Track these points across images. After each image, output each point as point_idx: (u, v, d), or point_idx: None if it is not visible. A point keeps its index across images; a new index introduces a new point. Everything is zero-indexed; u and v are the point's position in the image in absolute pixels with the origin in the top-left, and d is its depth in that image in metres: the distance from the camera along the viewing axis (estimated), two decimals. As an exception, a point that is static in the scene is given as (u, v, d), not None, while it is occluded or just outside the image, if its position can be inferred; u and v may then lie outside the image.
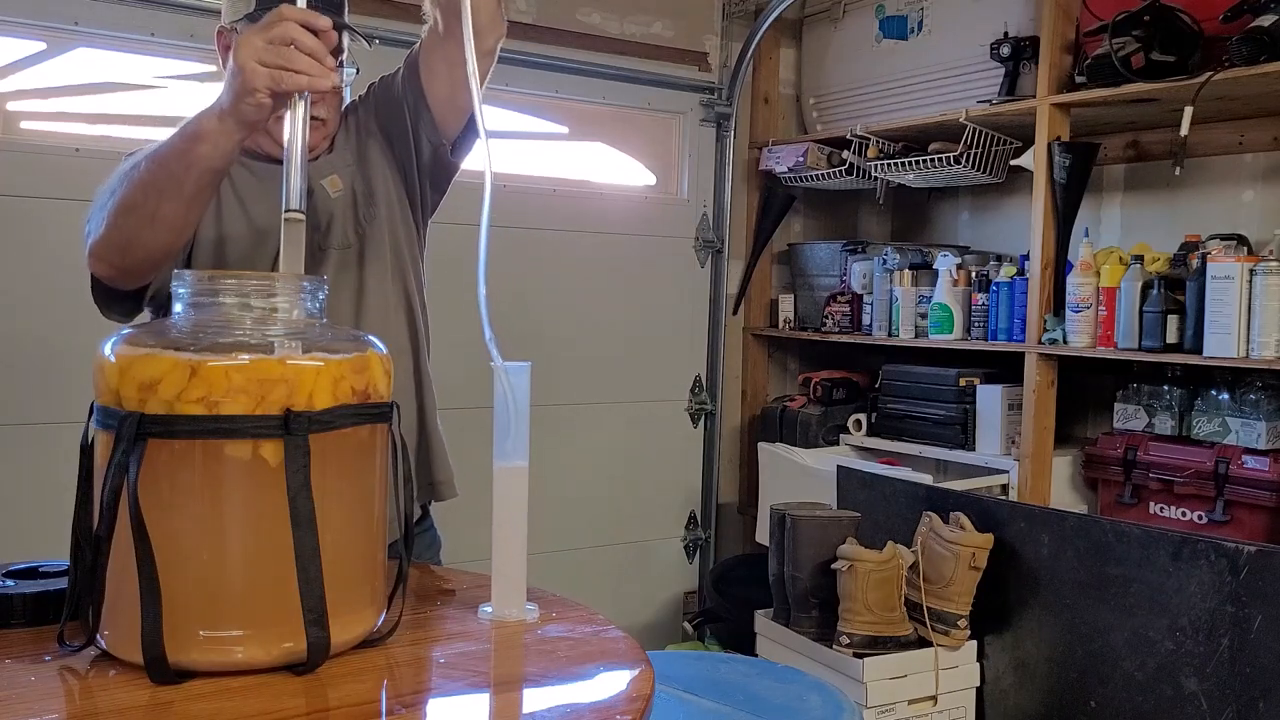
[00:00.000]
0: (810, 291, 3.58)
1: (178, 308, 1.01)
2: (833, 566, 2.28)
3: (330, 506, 0.96)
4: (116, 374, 0.94)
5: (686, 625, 3.50)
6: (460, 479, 1.66)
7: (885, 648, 2.24)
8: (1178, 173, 2.49)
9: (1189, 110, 2.39)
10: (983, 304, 2.94)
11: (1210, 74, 2.32)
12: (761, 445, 3.36)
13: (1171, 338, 2.46)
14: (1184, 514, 2.59)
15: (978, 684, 2.38)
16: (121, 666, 0.95)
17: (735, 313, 3.68)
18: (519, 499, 1.15)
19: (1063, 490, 2.86)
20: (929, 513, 2.37)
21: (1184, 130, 2.39)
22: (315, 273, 1.39)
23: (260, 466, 0.93)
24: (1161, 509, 2.64)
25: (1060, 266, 2.76)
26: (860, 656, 2.22)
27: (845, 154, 3.28)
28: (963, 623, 2.29)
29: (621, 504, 3.45)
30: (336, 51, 1.24)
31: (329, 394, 0.96)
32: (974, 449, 2.99)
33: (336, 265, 1.52)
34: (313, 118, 1.49)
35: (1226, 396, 2.57)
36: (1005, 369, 2.95)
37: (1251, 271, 2.32)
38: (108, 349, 0.96)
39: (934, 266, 3.10)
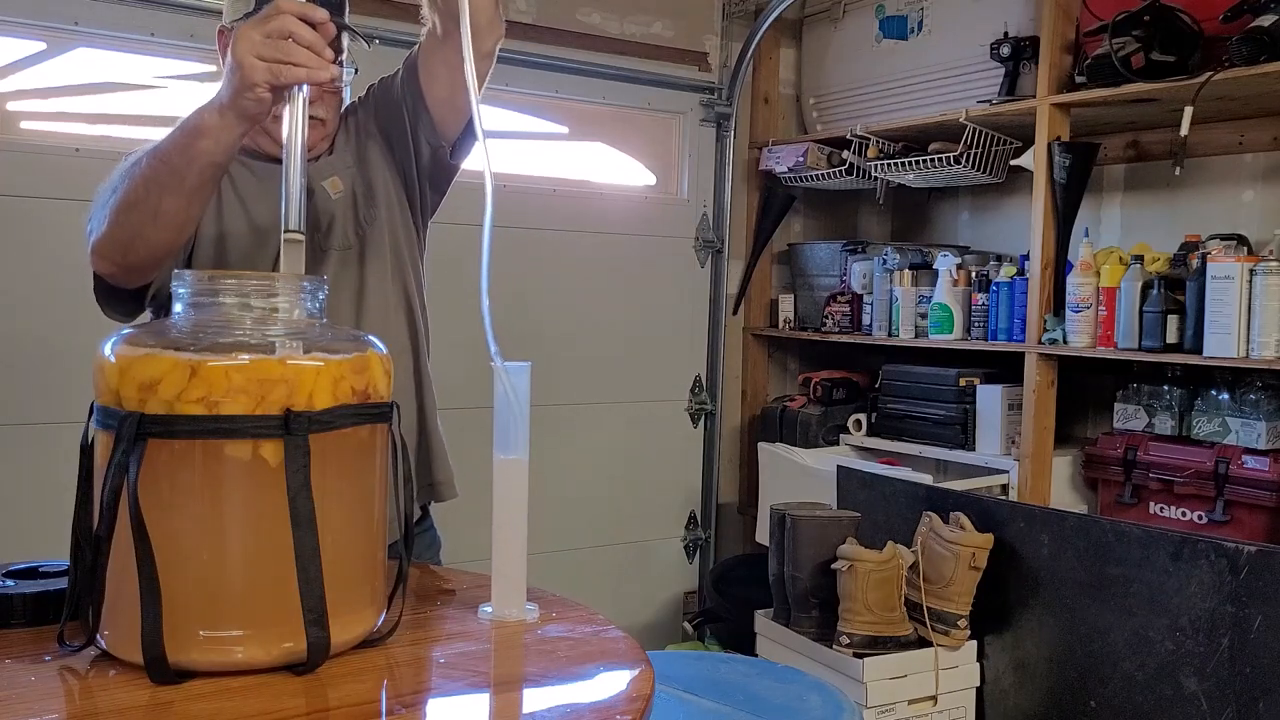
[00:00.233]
0: (810, 291, 3.58)
1: (178, 308, 1.01)
2: (833, 566, 2.28)
3: (330, 506, 0.96)
4: (116, 374, 0.94)
5: (686, 625, 3.50)
6: (460, 479, 1.66)
7: (885, 648, 2.25)
8: (1178, 173, 2.49)
9: (1189, 110, 2.39)
10: (983, 304, 2.94)
11: (1210, 74, 2.32)
12: (761, 445, 3.36)
13: (1171, 338, 2.46)
14: (1184, 514, 2.59)
15: (978, 684, 2.38)
16: (121, 666, 0.95)
17: (735, 313, 3.68)
18: (519, 492, 1.15)
19: (1063, 490, 2.86)
20: (929, 513, 2.37)
21: (1184, 130, 2.39)
22: (315, 273, 1.39)
23: (260, 466, 0.93)
24: (1161, 509, 2.64)
25: (1060, 266, 2.76)
26: (860, 656, 2.22)
27: (845, 154, 3.28)
28: (963, 623, 2.29)
29: (621, 504, 3.45)
30: (336, 50, 1.24)
31: (329, 394, 0.96)
32: (974, 449, 2.99)
33: (337, 266, 1.52)
34: (312, 118, 1.49)
35: (1226, 396, 2.57)
36: (1005, 369, 2.95)
37: (1251, 271, 2.32)
38: (108, 349, 0.96)
39: (934, 266, 3.10)
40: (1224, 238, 2.54)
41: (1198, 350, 2.40)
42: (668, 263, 3.50)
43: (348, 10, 1.44)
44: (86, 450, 1.00)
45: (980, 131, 2.95)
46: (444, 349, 1.73)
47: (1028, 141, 2.83)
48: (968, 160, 2.97)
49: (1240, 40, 2.27)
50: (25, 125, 2.57)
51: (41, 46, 2.55)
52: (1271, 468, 2.41)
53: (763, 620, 2.51)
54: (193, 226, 1.38)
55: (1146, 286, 2.51)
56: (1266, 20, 2.27)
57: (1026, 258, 2.83)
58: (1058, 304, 2.74)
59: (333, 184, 1.54)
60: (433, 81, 1.51)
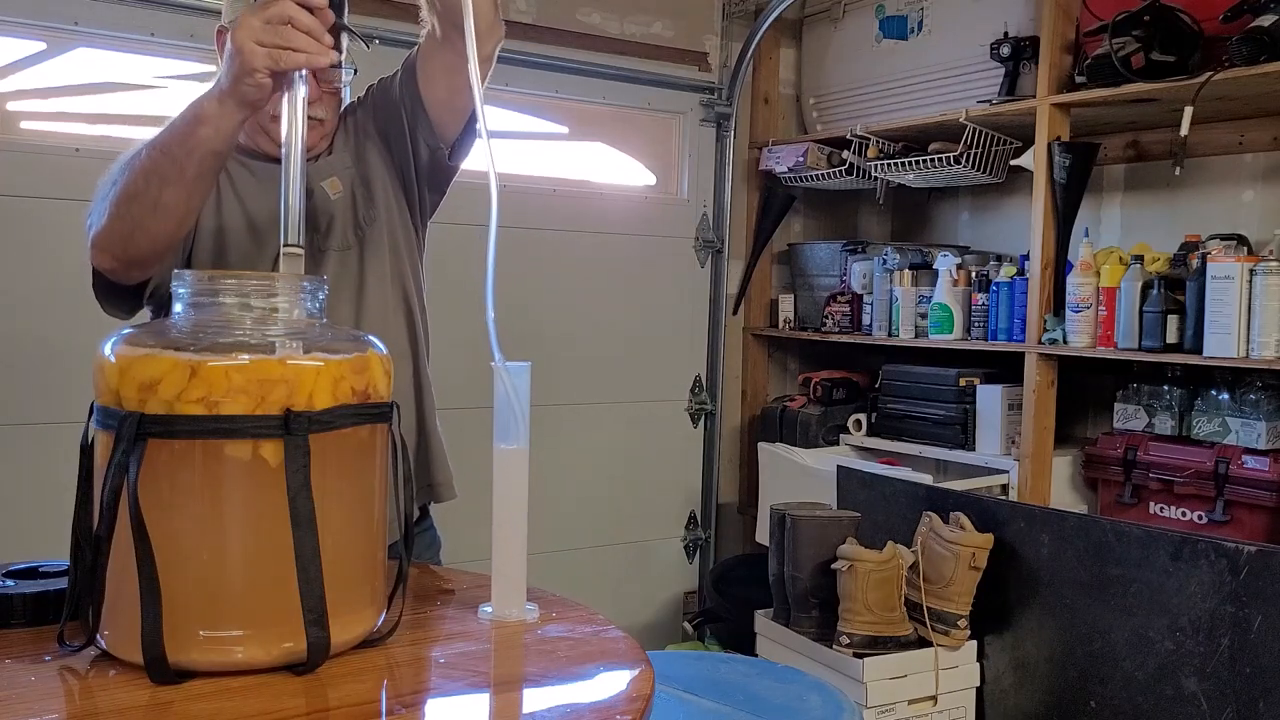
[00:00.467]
0: (810, 291, 3.58)
1: (178, 308, 1.01)
2: (833, 566, 2.28)
3: (330, 506, 0.96)
4: (116, 374, 0.94)
5: (686, 625, 3.50)
6: (460, 479, 1.66)
7: (885, 648, 2.24)
8: (1178, 173, 2.49)
9: (1189, 110, 2.39)
10: (983, 304, 2.94)
11: (1210, 74, 2.32)
12: (761, 445, 3.36)
13: (1171, 338, 2.46)
14: (1184, 514, 2.59)
15: (978, 684, 2.38)
16: (121, 666, 0.95)
17: (735, 313, 3.68)
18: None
19: (1063, 490, 2.86)
20: (929, 513, 2.37)
21: (1184, 130, 2.39)
22: (314, 274, 1.39)
23: (260, 466, 0.93)
24: (1161, 509, 2.64)
25: (1060, 266, 2.76)
26: (860, 656, 2.22)
27: (845, 154, 3.28)
28: (963, 623, 2.29)
29: (621, 504, 3.45)
30: (336, 46, 1.24)
31: (329, 394, 0.96)
32: (974, 449, 2.99)
33: (336, 267, 1.52)
34: (311, 118, 1.49)
35: (1226, 396, 2.57)
36: (1005, 369, 2.95)
37: (1251, 271, 2.32)
38: (108, 349, 0.96)
39: (934, 266, 3.10)
40: (1224, 238, 2.54)
41: (1198, 350, 2.40)
42: (668, 263, 3.50)
43: (347, 10, 1.44)
44: (86, 450, 1.00)
45: (980, 131, 2.95)
46: (444, 349, 1.73)
47: (1028, 141, 2.83)
48: (968, 160, 2.97)
49: (1240, 40, 2.27)
50: (25, 125, 2.57)
51: (41, 46, 2.55)
52: (1271, 468, 2.41)
53: (763, 620, 2.51)
54: (193, 218, 1.38)
55: (1146, 286, 2.51)
56: (1266, 20, 2.27)
57: (1026, 258, 2.83)
58: (1058, 304, 2.74)
59: (332, 184, 1.54)
60: (431, 84, 1.51)
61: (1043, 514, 2.31)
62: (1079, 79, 2.63)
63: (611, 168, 3.47)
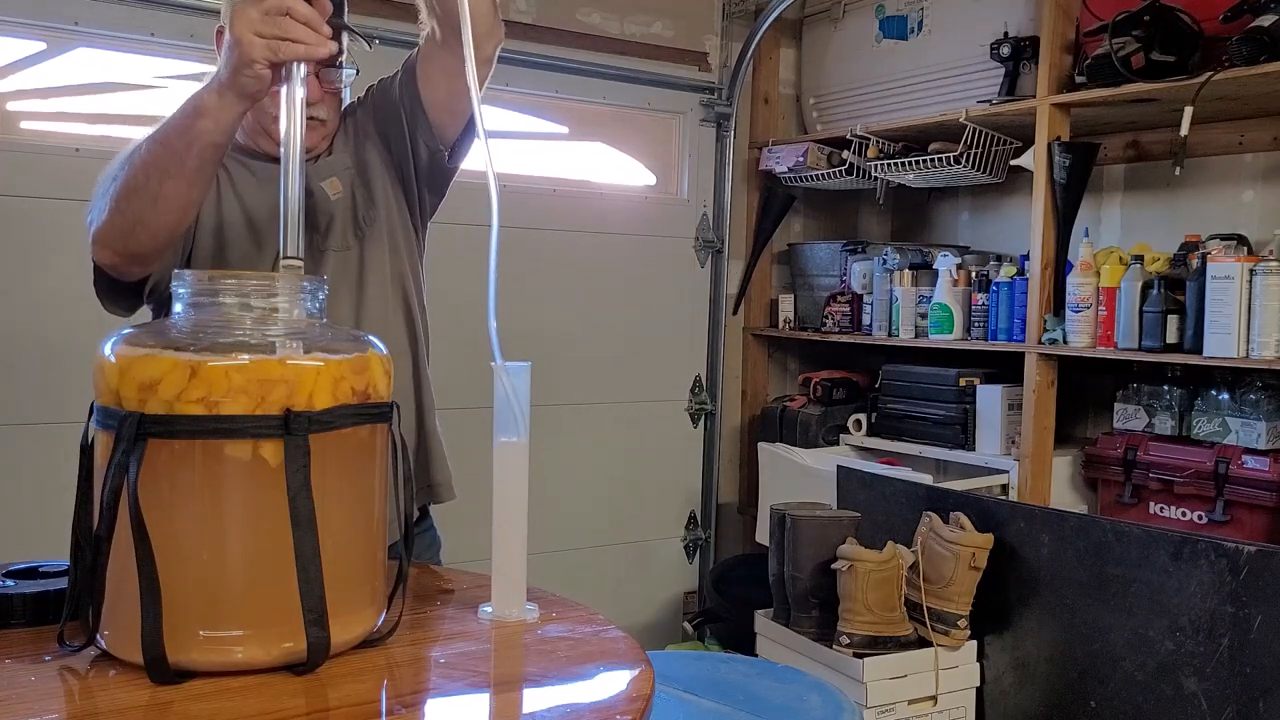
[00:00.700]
0: (810, 291, 3.58)
1: (178, 308, 1.01)
2: (833, 566, 2.28)
3: (330, 506, 0.96)
4: (116, 374, 0.94)
5: (686, 625, 3.50)
6: (459, 480, 1.66)
7: (885, 648, 2.24)
8: (1178, 173, 2.49)
9: (1189, 110, 2.39)
10: (983, 304, 2.94)
11: (1210, 74, 2.32)
12: (761, 445, 3.36)
13: (1171, 338, 2.46)
14: (1184, 514, 2.59)
15: (978, 684, 2.38)
16: (121, 666, 0.95)
17: (735, 313, 3.68)
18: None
19: (1063, 490, 2.86)
20: (929, 513, 2.37)
21: (1184, 130, 2.39)
22: (314, 274, 1.39)
23: (260, 466, 0.93)
24: (1161, 509, 2.64)
25: (1060, 266, 2.76)
26: (860, 656, 2.22)
27: (845, 154, 3.28)
28: (963, 623, 2.29)
29: (621, 504, 3.45)
30: (336, 39, 1.24)
31: (329, 394, 0.96)
32: (974, 449, 2.99)
33: (335, 267, 1.52)
34: (311, 118, 1.49)
35: (1226, 396, 2.57)
36: (1005, 369, 2.95)
37: (1251, 271, 2.32)
38: (108, 349, 0.96)
39: (934, 266, 3.10)
40: (1224, 238, 2.54)
41: (1198, 350, 2.40)
42: (668, 263, 3.50)
43: (347, 10, 1.44)
44: (86, 450, 1.00)
45: (980, 131, 2.95)
46: (444, 349, 1.73)
47: (1028, 141, 2.83)
48: (968, 160, 2.97)
49: (1240, 40, 2.27)
50: (25, 125, 2.57)
51: (41, 46, 2.55)
52: (1271, 468, 2.41)
53: (763, 620, 2.51)
54: (193, 212, 1.38)
55: (1146, 286, 2.51)
56: (1266, 20, 2.27)
57: (1026, 258, 2.83)
58: (1058, 304, 2.74)
59: (332, 185, 1.54)
60: (430, 86, 1.51)
61: (1043, 514, 2.31)
62: (1079, 79, 2.63)
63: (611, 168, 3.47)
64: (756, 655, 2.49)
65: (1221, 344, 2.35)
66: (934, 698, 2.30)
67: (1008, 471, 2.86)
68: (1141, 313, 2.51)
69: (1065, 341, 2.68)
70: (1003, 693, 2.36)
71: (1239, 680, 1.93)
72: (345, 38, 1.47)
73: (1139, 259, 2.60)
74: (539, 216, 3.19)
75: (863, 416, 3.34)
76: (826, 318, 3.43)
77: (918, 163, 3.09)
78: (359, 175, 1.57)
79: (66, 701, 0.93)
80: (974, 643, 2.35)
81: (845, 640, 2.24)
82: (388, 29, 2.50)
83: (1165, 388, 2.69)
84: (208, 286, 1.00)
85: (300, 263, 1.20)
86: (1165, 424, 2.67)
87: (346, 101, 1.64)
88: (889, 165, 3.16)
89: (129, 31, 2.57)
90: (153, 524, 0.90)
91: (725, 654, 2.72)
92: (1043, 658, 2.27)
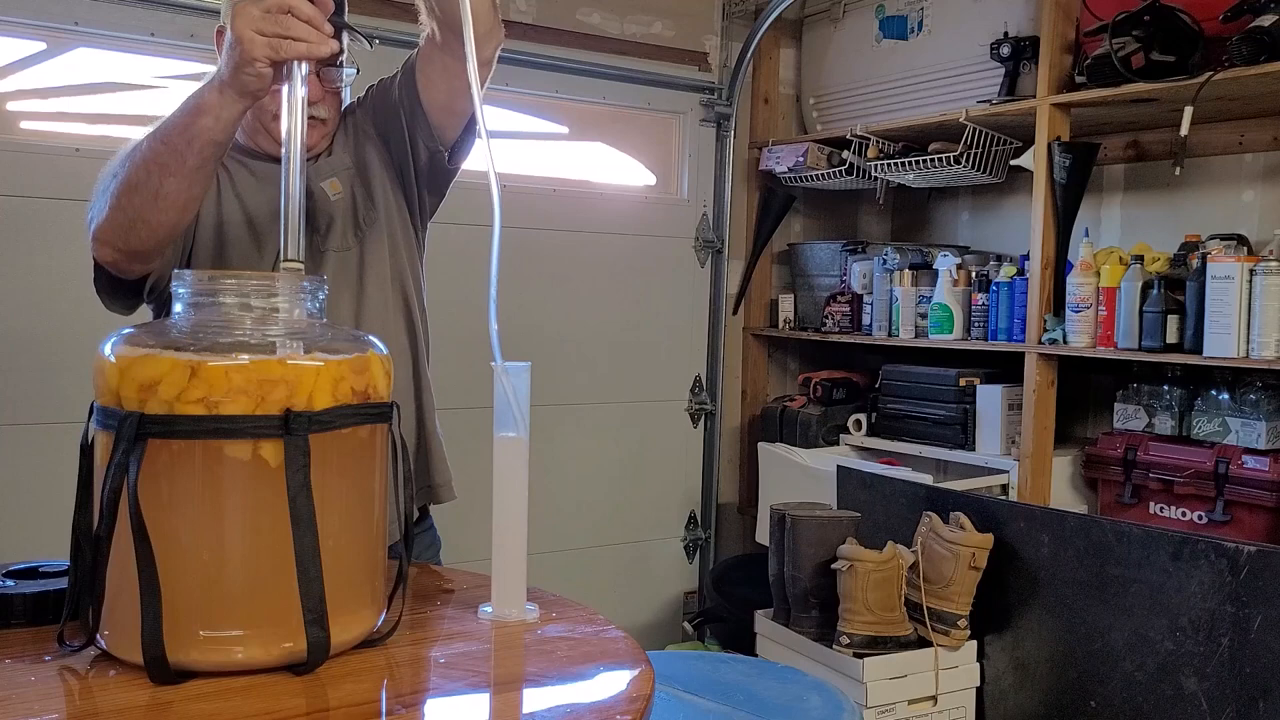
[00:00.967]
0: (810, 291, 3.58)
1: (178, 308, 1.01)
2: (833, 566, 2.28)
3: (330, 506, 0.96)
4: (116, 374, 0.94)
5: (686, 625, 3.50)
6: (459, 480, 1.66)
7: (885, 648, 2.24)
8: (1178, 173, 2.49)
9: (1189, 110, 2.39)
10: (983, 304, 2.94)
11: (1210, 74, 2.32)
12: (761, 445, 3.36)
13: (1171, 338, 2.46)
14: (1184, 514, 2.59)
15: (978, 684, 2.38)
16: (121, 666, 0.95)
17: (735, 313, 3.68)
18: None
19: (1063, 490, 2.86)
20: (929, 513, 2.37)
21: (1184, 130, 2.39)
22: (314, 275, 1.39)
23: (260, 467, 0.93)
24: (1161, 509, 2.64)
25: (1060, 266, 2.76)
26: (860, 656, 2.22)
27: (845, 154, 3.28)
28: (963, 623, 2.29)
29: (621, 504, 3.45)
30: (338, 46, 1.24)
31: (329, 394, 0.96)
32: (974, 449, 2.99)
33: (336, 268, 1.52)
34: (312, 118, 1.49)
35: (1226, 396, 2.57)
36: (1005, 369, 2.95)
37: (1251, 271, 2.32)
38: (108, 349, 0.96)
39: (934, 266, 3.10)
40: (1224, 238, 2.54)
41: (1198, 350, 2.40)
42: (668, 263, 3.50)
43: (347, 10, 1.44)
44: (86, 450, 1.00)
45: (980, 131, 2.95)
46: (443, 349, 1.73)
47: (1028, 141, 2.83)
48: (968, 160, 2.97)
49: (1240, 40, 2.27)
50: (25, 125, 2.57)
51: (41, 46, 2.55)
52: (1271, 468, 2.41)
53: (763, 620, 2.51)
54: (193, 209, 1.38)
55: (1146, 286, 2.51)
56: (1266, 20, 2.27)
57: (1026, 258, 2.83)
58: (1058, 304, 2.74)
59: (332, 185, 1.54)
60: (430, 86, 1.51)
61: (1043, 514, 2.31)
62: (1079, 79, 2.63)
63: (611, 168, 3.47)
64: (756, 655, 2.49)
65: (1221, 344, 2.35)
66: (934, 698, 2.30)
67: (1008, 471, 2.86)
68: (1141, 313, 2.51)
69: (1065, 341, 2.68)
70: (1003, 693, 2.36)
71: (1239, 680, 1.93)
72: (346, 37, 1.47)
73: (1139, 259, 2.60)
74: (539, 216, 3.19)
75: (863, 416, 3.34)
76: (826, 318, 3.43)
77: (918, 163, 3.09)
78: (359, 175, 1.57)
79: (66, 701, 0.93)
80: (974, 643, 2.35)
81: (845, 640, 2.24)
82: (388, 29, 2.50)
83: (1165, 388, 2.69)
84: (207, 286, 1.00)
85: (301, 265, 1.20)
86: (1165, 424, 2.67)
87: (346, 101, 1.64)
88: (889, 165, 3.16)
89: (129, 31, 2.57)
90: (153, 524, 0.90)
91: (725, 654, 2.72)
92: (1043, 658, 2.27)
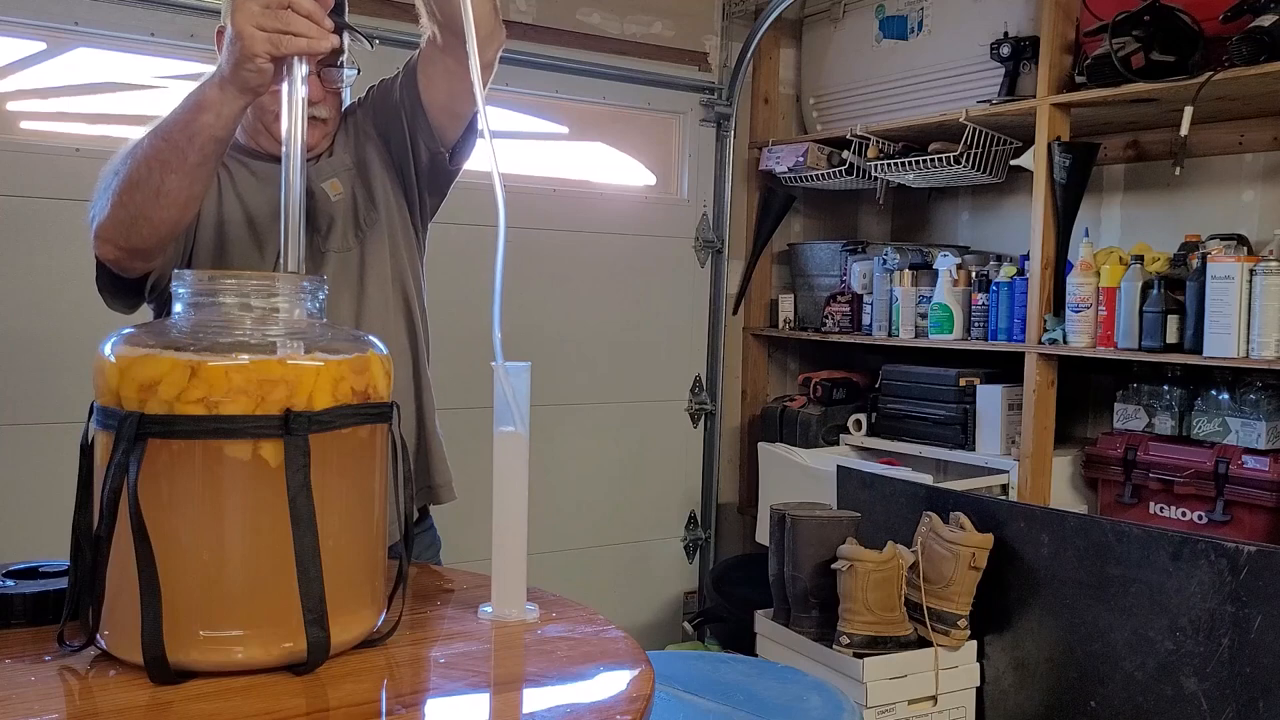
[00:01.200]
0: (810, 291, 3.58)
1: (178, 308, 1.01)
2: (833, 566, 2.28)
3: (330, 506, 0.96)
4: (116, 374, 0.94)
5: (686, 625, 3.50)
6: (459, 480, 1.66)
7: (885, 648, 2.24)
8: (1178, 173, 2.49)
9: (1189, 110, 2.39)
10: (983, 304, 2.94)
11: (1210, 74, 2.32)
12: (761, 445, 3.36)
13: (1171, 338, 2.46)
14: (1184, 514, 2.59)
15: (978, 684, 2.38)
16: (121, 666, 0.95)
17: (735, 313, 3.68)
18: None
19: (1063, 490, 2.86)
20: (929, 513, 2.37)
21: (1184, 130, 2.39)
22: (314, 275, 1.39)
23: (260, 467, 0.93)
24: (1161, 509, 2.64)
25: (1060, 266, 2.76)
26: (860, 656, 2.22)
27: (845, 154, 3.28)
28: (963, 623, 2.29)
29: (621, 504, 3.45)
30: (338, 42, 1.24)
31: (329, 394, 0.96)
32: (974, 449, 2.99)
33: (336, 268, 1.52)
34: (313, 117, 1.49)
35: (1226, 396, 2.57)
36: (1005, 369, 2.95)
37: (1251, 271, 2.32)
38: (108, 349, 0.96)
39: (934, 266, 3.10)
40: (1224, 238, 2.54)
41: (1198, 350, 2.40)
42: (668, 263, 3.50)
43: (348, 10, 1.44)
44: (86, 450, 1.00)
45: (980, 131, 2.95)
46: (444, 349, 1.73)
47: (1028, 141, 2.83)
48: (968, 160, 2.97)
49: (1240, 40, 2.27)
50: (25, 125, 2.57)
51: (41, 46, 2.55)
52: (1271, 468, 2.41)
53: (763, 620, 2.51)
54: (195, 207, 1.38)
55: (1146, 286, 2.51)
56: (1266, 20, 2.27)
57: (1026, 258, 2.83)
58: (1058, 304, 2.74)
59: (333, 186, 1.54)
60: (432, 88, 1.51)
61: (1043, 514, 2.31)
62: (1079, 79, 2.63)
63: (611, 168, 3.47)
64: (756, 655, 2.49)
65: (1221, 344, 2.35)
66: (934, 698, 2.30)
67: (1008, 471, 2.86)
68: (1141, 313, 2.51)
69: (1065, 341, 2.69)
70: (1003, 693, 2.36)
71: (1239, 680, 1.93)
72: (347, 37, 1.48)
73: (1139, 259, 2.60)
74: (539, 216, 3.19)
75: (863, 416, 3.34)
76: (826, 318, 3.43)
77: (918, 163, 3.09)
78: (360, 176, 1.57)
79: (66, 701, 0.93)
80: (974, 643, 2.35)
81: (845, 640, 2.24)
82: (388, 29, 2.50)
83: (1165, 388, 2.69)
84: (208, 286, 1.00)
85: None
86: (1165, 424, 2.67)
87: (347, 102, 1.64)
88: (889, 165, 3.16)
89: (129, 31, 2.57)
90: (153, 524, 0.90)
91: (725, 654, 2.72)
92: (1043, 658, 2.27)
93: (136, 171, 1.30)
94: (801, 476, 3.10)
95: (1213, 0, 2.37)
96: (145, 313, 1.53)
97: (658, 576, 3.56)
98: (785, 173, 3.45)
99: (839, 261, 3.48)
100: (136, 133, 1.34)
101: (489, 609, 1.14)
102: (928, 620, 2.29)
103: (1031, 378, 2.78)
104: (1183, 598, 2.02)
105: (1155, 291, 2.48)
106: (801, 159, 3.36)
